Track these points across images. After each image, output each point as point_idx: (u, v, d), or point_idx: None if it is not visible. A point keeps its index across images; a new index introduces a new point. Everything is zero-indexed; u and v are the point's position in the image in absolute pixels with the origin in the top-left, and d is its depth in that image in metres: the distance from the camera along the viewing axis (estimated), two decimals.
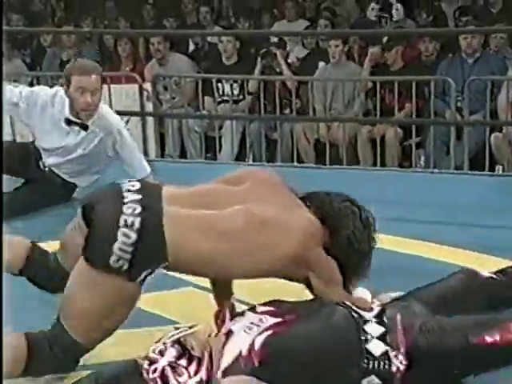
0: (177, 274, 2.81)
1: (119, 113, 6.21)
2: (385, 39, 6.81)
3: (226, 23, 8.57)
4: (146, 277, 2.47)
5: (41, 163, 4.32)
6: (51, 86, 7.09)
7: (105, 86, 6.38)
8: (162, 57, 7.11)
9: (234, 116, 6.70)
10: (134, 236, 2.40)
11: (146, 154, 6.34)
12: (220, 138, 6.69)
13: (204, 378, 2.34)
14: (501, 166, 5.86)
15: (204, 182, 4.65)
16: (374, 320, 2.48)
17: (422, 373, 2.42)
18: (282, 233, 2.55)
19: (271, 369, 2.29)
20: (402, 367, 2.39)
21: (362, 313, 2.50)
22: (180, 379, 2.33)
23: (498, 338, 2.39)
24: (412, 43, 7.06)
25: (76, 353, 2.60)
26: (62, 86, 4.33)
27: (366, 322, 2.47)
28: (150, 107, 6.66)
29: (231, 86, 6.78)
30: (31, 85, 6.86)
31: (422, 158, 6.18)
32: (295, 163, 6.11)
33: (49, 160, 4.31)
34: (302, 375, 2.34)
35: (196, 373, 2.35)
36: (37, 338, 2.60)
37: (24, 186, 4.43)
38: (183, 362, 2.36)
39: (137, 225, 2.41)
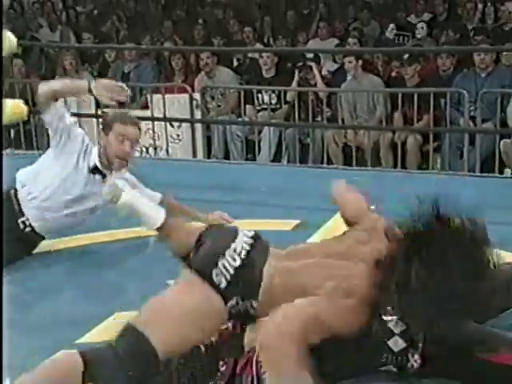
0: None
1: (172, 119, 6.33)
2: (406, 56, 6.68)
3: (265, 41, 8.65)
4: (233, 309, 2.22)
5: (21, 222, 3.33)
6: None
7: (159, 96, 6.47)
8: (210, 70, 7.06)
9: (271, 123, 6.63)
10: (238, 261, 2.21)
11: (194, 155, 6.34)
12: (259, 141, 6.64)
13: None
14: (509, 170, 5.80)
15: (244, 179, 4.60)
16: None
17: (433, 372, 2.25)
18: None
19: None
20: (416, 365, 2.23)
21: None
22: None
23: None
24: (431, 59, 6.97)
25: (150, 364, 2.15)
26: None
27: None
28: (198, 114, 6.64)
29: (270, 96, 6.73)
30: None
31: (439, 162, 6.09)
32: (325, 165, 6.06)
33: (45, 214, 3.36)
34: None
35: None
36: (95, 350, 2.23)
37: None
38: None
39: (243, 255, 2.24)
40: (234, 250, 2.25)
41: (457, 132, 6.05)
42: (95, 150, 3.38)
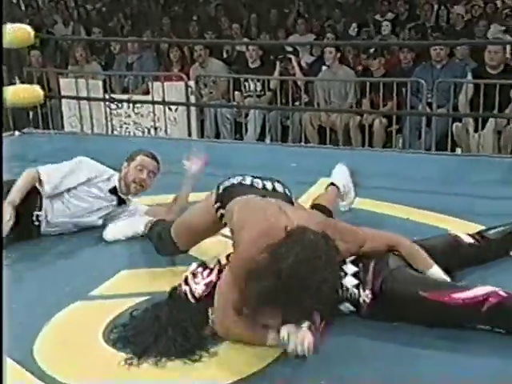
0: None
1: (171, 103, 6.33)
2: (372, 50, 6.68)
3: (251, 36, 8.61)
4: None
5: (34, 214, 3.21)
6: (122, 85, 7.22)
7: (159, 83, 6.45)
8: (203, 61, 7.03)
9: (257, 107, 6.60)
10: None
11: (189, 135, 6.33)
12: (246, 123, 6.63)
13: (214, 279, 2.39)
14: (460, 148, 5.81)
15: (233, 156, 4.58)
16: (349, 261, 2.42)
17: (382, 308, 2.34)
18: None
19: None
20: (367, 300, 2.35)
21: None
22: (196, 280, 2.41)
23: (445, 298, 2.24)
24: (394, 53, 6.91)
25: (172, 248, 2.83)
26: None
27: (344, 261, 2.40)
28: (193, 99, 6.61)
29: (255, 84, 6.69)
30: (104, 82, 6.85)
31: (401, 141, 6.09)
32: (303, 143, 6.03)
33: (54, 218, 3.25)
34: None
35: (208, 275, 2.41)
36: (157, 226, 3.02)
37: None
38: (200, 269, 2.45)
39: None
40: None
41: (416, 115, 6.04)
42: (116, 176, 3.35)
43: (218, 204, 2.59)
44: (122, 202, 3.36)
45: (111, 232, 3.22)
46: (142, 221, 3.25)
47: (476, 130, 5.68)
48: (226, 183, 2.61)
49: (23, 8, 10.78)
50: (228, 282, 2.25)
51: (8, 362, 2.17)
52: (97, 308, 2.53)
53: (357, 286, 2.36)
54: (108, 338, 2.31)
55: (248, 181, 2.62)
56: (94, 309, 2.53)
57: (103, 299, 2.60)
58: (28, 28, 4.72)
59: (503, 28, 8.15)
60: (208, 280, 2.40)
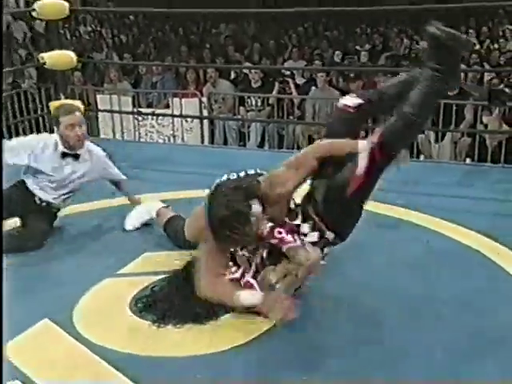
0: None
1: (187, 117, 6.31)
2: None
3: (254, 61, 8.52)
4: None
5: (36, 199, 3.01)
6: (147, 100, 7.21)
7: (177, 99, 6.42)
8: (214, 81, 6.97)
9: (258, 120, 6.53)
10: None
11: (202, 142, 6.30)
12: (249, 133, 6.57)
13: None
14: (423, 155, 5.75)
15: (237, 160, 4.54)
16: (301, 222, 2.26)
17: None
18: None
19: None
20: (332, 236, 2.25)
21: None
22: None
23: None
24: (370, 78, 6.85)
25: (187, 243, 2.59)
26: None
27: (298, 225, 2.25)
28: (205, 113, 6.55)
29: (256, 100, 6.62)
30: (133, 98, 6.82)
31: None
32: (295, 150, 5.95)
33: (47, 195, 3.04)
34: None
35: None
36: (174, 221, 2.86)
37: (30, 221, 3.01)
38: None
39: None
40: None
41: None
42: (57, 142, 3.02)
43: None
44: (76, 156, 3.05)
45: (129, 222, 3.09)
46: (153, 206, 3.07)
47: (436, 141, 5.66)
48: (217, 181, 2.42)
49: (68, 37, 10.75)
50: (204, 252, 2.25)
51: (50, 325, 2.18)
52: (124, 284, 2.51)
53: (321, 236, 2.23)
54: (133, 308, 2.30)
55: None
56: (121, 284, 2.51)
57: (129, 277, 2.58)
58: (71, 54, 4.69)
59: None
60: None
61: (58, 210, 3.11)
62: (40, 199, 3.03)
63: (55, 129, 3.05)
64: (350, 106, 2.38)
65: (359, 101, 2.39)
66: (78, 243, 2.97)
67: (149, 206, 3.09)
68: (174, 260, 2.66)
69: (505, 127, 5.42)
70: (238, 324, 2.19)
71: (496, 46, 8.66)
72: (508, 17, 10.00)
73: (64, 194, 3.07)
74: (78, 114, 3.01)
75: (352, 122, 2.41)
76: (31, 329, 2.17)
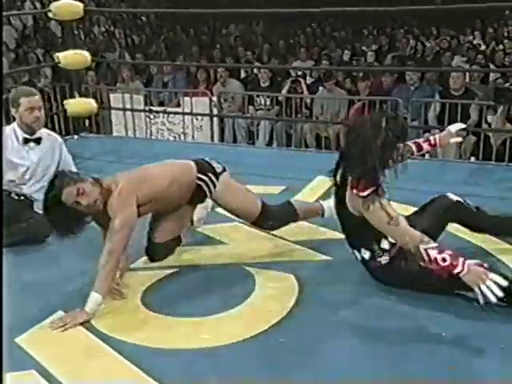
0: None
1: (197, 114, 6.31)
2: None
3: (263, 61, 8.49)
4: None
5: (35, 207, 2.88)
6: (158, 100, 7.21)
7: (188, 98, 6.43)
8: (224, 81, 6.96)
9: (266, 118, 6.53)
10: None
11: (212, 140, 6.29)
12: (258, 131, 6.56)
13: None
14: (428, 154, 5.60)
15: (246, 157, 4.53)
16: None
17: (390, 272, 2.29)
18: None
19: None
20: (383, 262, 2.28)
21: None
22: None
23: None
24: (377, 77, 6.82)
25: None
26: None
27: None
28: (215, 111, 6.52)
29: (265, 100, 6.61)
30: (145, 97, 6.82)
31: None
32: (303, 148, 5.96)
33: (30, 188, 2.94)
34: None
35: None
36: None
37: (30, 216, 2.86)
38: None
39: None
40: None
41: None
42: (16, 128, 2.92)
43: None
44: (37, 141, 2.95)
45: (196, 219, 2.82)
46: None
47: None
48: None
49: (82, 37, 10.78)
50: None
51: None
52: (136, 277, 2.51)
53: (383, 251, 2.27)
54: (145, 301, 2.31)
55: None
56: (134, 278, 2.50)
57: (141, 271, 2.57)
58: (86, 53, 4.70)
59: (464, 59, 8.10)
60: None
61: None
62: (24, 195, 2.91)
63: (13, 111, 2.93)
64: None
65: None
66: (86, 238, 2.97)
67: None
68: (183, 255, 2.66)
69: (509, 126, 5.38)
70: (249, 314, 2.19)
71: (501, 46, 8.60)
72: None
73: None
74: (37, 97, 2.94)
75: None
76: (46, 320, 2.18)
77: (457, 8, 5.24)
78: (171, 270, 2.52)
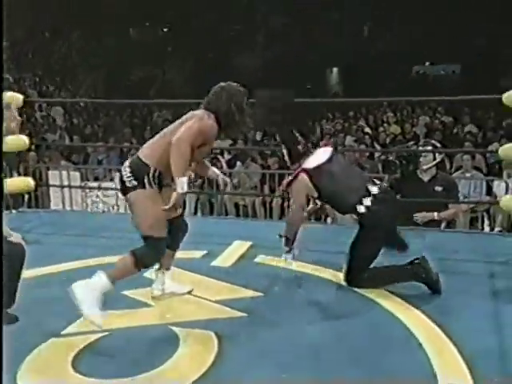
0: None
1: None
2: None
3: None
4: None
5: None
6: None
7: None
8: None
9: (192, 191, 6.37)
10: None
11: None
12: (184, 201, 6.41)
13: None
14: (330, 218, 5.57)
15: None
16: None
17: None
18: None
19: None
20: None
21: None
22: None
23: None
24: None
25: None
26: None
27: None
28: None
29: (191, 174, 6.58)
30: (81, 173, 6.65)
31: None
32: (223, 216, 5.89)
33: None
34: None
35: None
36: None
37: None
38: None
39: None
40: None
41: None
42: None
43: None
44: None
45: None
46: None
47: None
48: None
49: (25, 121, 10.53)
50: None
51: None
52: (67, 342, 2.37)
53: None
54: (75, 365, 2.17)
55: None
56: (65, 342, 2.36)
57: (73, 336, 2.43)
58: (24, 137, 4.58)
59: (354, 138, 8.45)
60: None
61: None
62: None
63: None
64: None
65: None
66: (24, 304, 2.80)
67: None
68: (115, 319, 2.56)
69: None
70: (174, 372, 2.10)
71: (381, 129, 9.24)
72: (389, 106, 10.78)
73: None
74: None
75: None
76: None
77: (346, 100, 5.60)
78: (101, 334, 2.40)
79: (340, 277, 2.91)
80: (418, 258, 2.75)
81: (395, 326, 2.45)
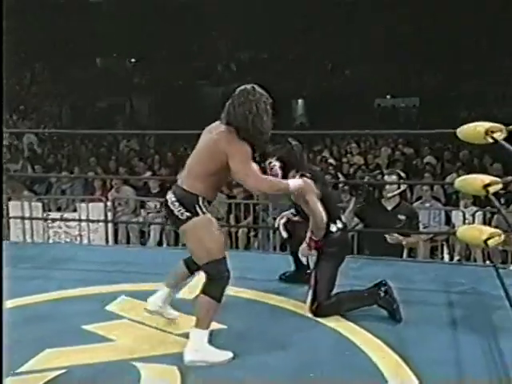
0: None
1: (93, 221, 6.03)
2: None
3: (154, 170, 8.42)
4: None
5: None
6: None
7: (84, 204, 6.17)
8: (118, 188, 6.87)
9: (156, 222, 6.38)
10: None
11: (106, 241, 6.05)
12: (149, 232, 6.32)
13: None
14: None
15: (138, 256, 4.33)
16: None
17: None
18: None
19: None
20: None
21: None
22: None
23: None
24: None
25: None
26: None
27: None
28: (110, 215, 6.34)
29: (155, 204, 6.51)
30: (43, 204, 6.50)
31: (256, 244, 6.02)
32: None
33: None
34: None
35: None
36: None
37: None
38: None
39: None
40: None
41: (265, 228, 6.00)
42: None
43: None
44: None
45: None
46: None
47: None
48: None
49: None
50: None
51: None
52: (24, 380, 2.28)
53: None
54: None
55: None
56: (22, 381, 2.27)
57: (29, 374, 2.34)
58: None
59: (319, 168, 8.50)
60: None
61: None
62: None
63: None
64: None
65: None
66: None
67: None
68: (73, 355, 2.48)
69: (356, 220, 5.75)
70: None
71: (345, 159, 9.42)
72: (352, 137, 11.04)
73: None
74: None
75: None
76: None
77: (308, 133, 5.70)
78: (59, 372, 2.32)
79: (304, 307, 2.90)
80: (381, 281, 2.81)
81: (359, 356, 2.46)
